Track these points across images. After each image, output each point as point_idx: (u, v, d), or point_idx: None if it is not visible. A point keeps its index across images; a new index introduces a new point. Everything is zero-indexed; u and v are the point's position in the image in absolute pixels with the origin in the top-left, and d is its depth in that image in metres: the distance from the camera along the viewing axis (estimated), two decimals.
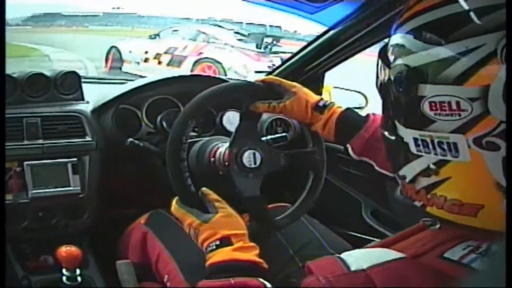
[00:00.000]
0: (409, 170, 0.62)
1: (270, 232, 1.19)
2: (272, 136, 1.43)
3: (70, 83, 1.42)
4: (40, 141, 1.29)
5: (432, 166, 0.59)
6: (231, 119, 1.49)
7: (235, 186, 1.04)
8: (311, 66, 1.63)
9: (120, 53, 7.76)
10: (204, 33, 7.56)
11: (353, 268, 0.58)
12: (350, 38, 1.44)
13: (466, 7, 0.55)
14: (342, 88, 1.83)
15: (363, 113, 1.05)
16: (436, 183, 0.59)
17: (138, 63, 7.36)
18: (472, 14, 0.54)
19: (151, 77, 1.56)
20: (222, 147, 1.12)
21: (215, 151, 1.17)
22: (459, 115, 0.54)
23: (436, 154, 0.58)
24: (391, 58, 0.63)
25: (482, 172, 0.55)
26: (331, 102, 1.03)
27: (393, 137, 0.64)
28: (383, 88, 0.65)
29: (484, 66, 0.52)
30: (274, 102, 1.03)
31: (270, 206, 1.29)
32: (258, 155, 1.06)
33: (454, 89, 0.54)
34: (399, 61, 0.60)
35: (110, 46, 7.98)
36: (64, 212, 1.32)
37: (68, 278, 1.15)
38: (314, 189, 1.14)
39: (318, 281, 0.59)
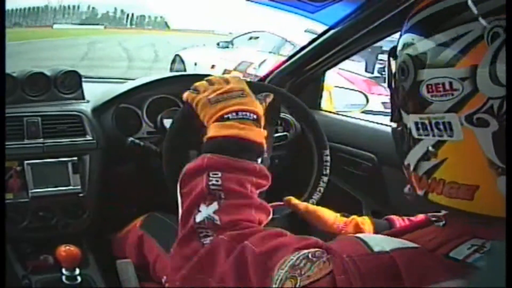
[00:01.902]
0: (412, 157, 0.66)
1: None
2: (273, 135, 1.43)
3: (70, 82, 1.42)
4: (41, 140, 1.29)
5: (431, 149, 0.63)
6: None
7: None
8: (311, 65, 1.62)
9: (184, 64, 6.31)
10: (290, 42, 5.27)
11: (376, 249, 0.59)
12: (350, 37, 1.44)
13: (457, 0, 0.61)
14: (343, 87, 1.82)
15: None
16: (435, 166, 0.63)
17: None
18: (461, 6, 0.60)
19: (152, 76, 1.55)
20: None
21: None
22: (452, 94, 0.59)
23: (434, 135, 0.62)
24: (398, 52, 0.68)
25: (475, 150, 0.58)
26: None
27: (399, 128, 0.69)
28: (390, 80, 0.71)
29: (472, 48, 0.58)
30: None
31: (270, 205, 1.29)
32: None
33: (447, 71, 0.60)
34: (403, 52, 0.66)
35: (174, 55, 6.63)
36: (64, 212, 1.32)
37: (67, 278, 1.16)
38: (314, 189, 1.14)
39: (341, 260, 0.58)
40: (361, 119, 1.67)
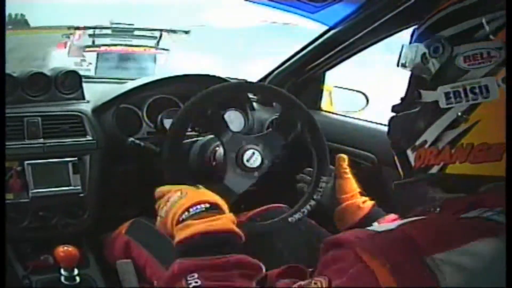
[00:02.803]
0: (433, 130, 0.69)
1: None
2: None
3: (70, 82, 1.42)
4: (41, 141, 1.29)
5: (461, 114, 0.66)
6: (231, 119, 1.49)
7: (223, 181, 1.05)
8: (311, 65, 1.62)
9: None
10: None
11: (380, 230, 0.61)
12: (351, 37, 1.44)
13: None
14: (343, 88, 1.82)
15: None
16: (464, 131, 0.66)
17: None
18: None
19: (152, 76, 1.55)
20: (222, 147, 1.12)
21: (216, 151, 1.17)
22: (490, 61, 0.65)
23: (468, 100, 0.65)
24: (426, 36, 0.73)
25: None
26: None
27: (415, 109, 0.72)
28: (411, 63, 0.74)
29: (503, 29, 0.65)
30: None
31: (267, 206, 1.29)
32: (257, 154, 1.07)
33: (484, 44, 0.66)
34: (435, 35, 0.70)
35: None
36: (64, 212, 1.31)
37: (66, 278, 1.16)
38: (315, 189, 1.14)
39: (350, 237, 0.60)
40: (361, 119, 1.67)
